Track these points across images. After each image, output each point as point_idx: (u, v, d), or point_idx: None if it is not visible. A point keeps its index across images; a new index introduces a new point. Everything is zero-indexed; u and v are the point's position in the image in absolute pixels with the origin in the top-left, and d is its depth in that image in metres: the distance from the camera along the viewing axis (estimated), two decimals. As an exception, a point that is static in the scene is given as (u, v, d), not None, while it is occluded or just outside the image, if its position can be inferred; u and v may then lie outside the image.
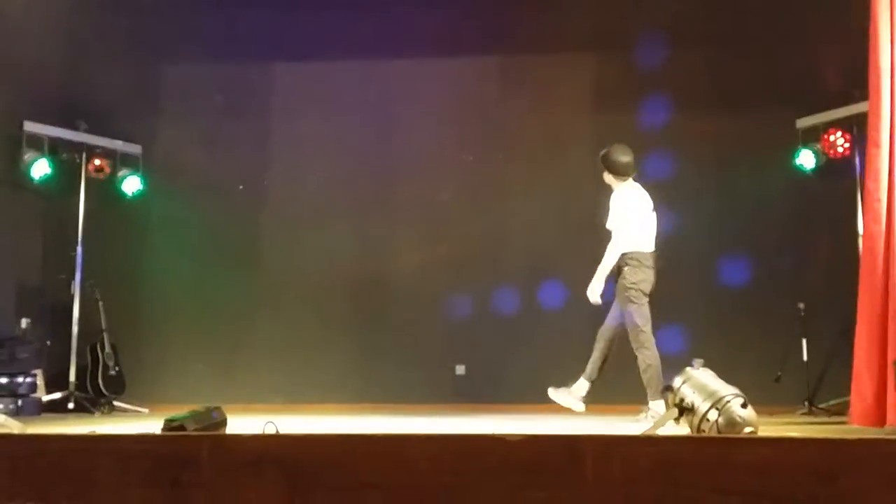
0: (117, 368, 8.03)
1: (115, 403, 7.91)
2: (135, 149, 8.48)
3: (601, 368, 6.36)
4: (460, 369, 8.36)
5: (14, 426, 4.39)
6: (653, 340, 6.18)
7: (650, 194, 6.53)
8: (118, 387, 8.01)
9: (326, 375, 8.33)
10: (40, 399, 7.51)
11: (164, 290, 8.61)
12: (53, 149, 8.06)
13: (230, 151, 8.71)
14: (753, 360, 7.35)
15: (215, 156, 8.68)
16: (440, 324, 8.33)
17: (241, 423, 4.11)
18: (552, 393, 6.40)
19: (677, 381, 4.31)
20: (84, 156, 8.19)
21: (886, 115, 4.99)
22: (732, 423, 4.02)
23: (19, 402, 7.21)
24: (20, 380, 7.36)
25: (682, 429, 4.25)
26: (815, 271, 7.71)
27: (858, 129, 7.46)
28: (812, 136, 7.83)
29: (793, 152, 7.88)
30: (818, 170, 7.85)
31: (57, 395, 7.72)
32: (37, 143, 7.95)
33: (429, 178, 8.63)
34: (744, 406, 4.09)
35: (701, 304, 7.90)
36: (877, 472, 2.56)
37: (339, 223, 8.60)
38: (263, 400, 7.80)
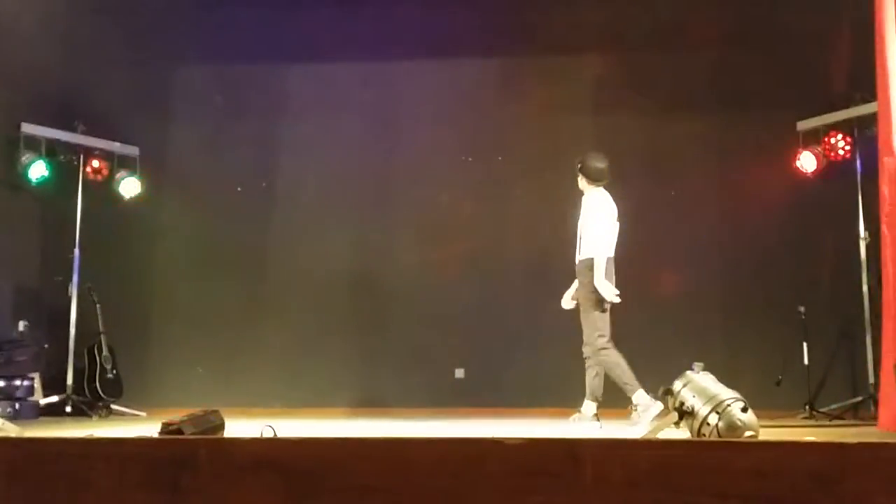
0: (115, 372, 8.00)
1: (113, 407, 7.88)
2: (132, 151, 8.45)
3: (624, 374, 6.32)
4: (460, 373, 8.33)
5: (11, 430, 4.35)
6: (611, 342, 6.22)
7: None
8: (116, 390, 7.98)
9: (325, 379, 8.31)
10: (37, 402, 7.49)
11: (161, 292, 8.59)
12: (51, 150, 8.04)
13: (228, 153, 8.69)
14: (754, 363, 7.35)
15: (213, 158, 8.66)
16: (439, 327, 8.30)
17: (239, 427, 4.09)
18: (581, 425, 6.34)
19: (677, 385, 4.30)
20: (82, 158, 8.17)
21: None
22: (733, 427, 4.00)
23: (16, 406, 7.18)
24: (17, 383, 7.34)
25: (683, 433, 4.22)
26: (816, 274, 7.68)
27: (859, 131, 7.47)
28: (813, 139, 7.80)
29: (793, 155, 7.84)
30: (819, 172, 7.80)
31: (54, 399, 7.68)
32: (34, 145, 7.93)
33: (428, 180, 8.61)
34: (744, 410, 4.07)
35: (701, 307, 7.90)
36: (878, 475, 2.51)
37: (338, 226, 8.58)
38: (262, 404, 7.78)
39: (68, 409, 7.66)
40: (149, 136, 8.53)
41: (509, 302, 8.27)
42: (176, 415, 3.79)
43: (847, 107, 7.50)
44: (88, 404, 7.72)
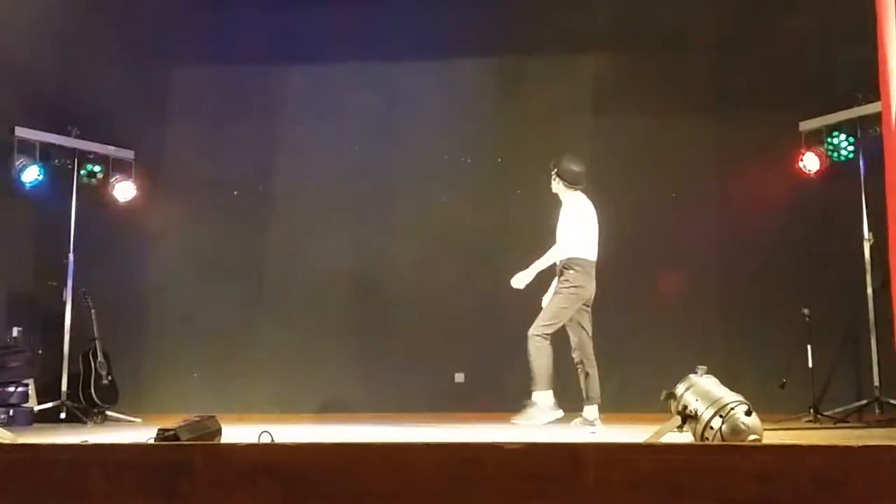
0: (110, 377, 7.95)
1: (108, 413, 7.82)
2: (127, 154, 8.40)
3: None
4: (459, 377, 8.27)
5: (6, 436, 4.29)
6: (547, 340, 6.30)
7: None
8: (111, 396, 7.92)
9: (323, 384, 8.27)
10: (32, 409, 7.44)
11: (157, 297, 8.54)
12: (45, 154, 7.99)
13: (225, 156, 8.63)
14: (757, 366, 7.29)
15: (210, 161, 8.60)
16: (439, 331, 8.25)
17: (236, 433, 4.03)
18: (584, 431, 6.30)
19: (680, 388, 4.23)
20: (76, 161, 8.12)
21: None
22: (736, 431, 3.92)
23: (10, 412, 7.15)
24: (11, 389, 7.30)
25: (686, 437, 4.15)
26: (820, 276, 7.61)
27: (863, 131, 7.41)
28: (815, 139, 7.73)
29: (796, 155, 7.77)
30: (821, 173, 7.73)
31: (49, 405, 7.62)
32: (28, 149, 7.89)
33: (427, 181, 8.57)
34: (748, 413, 3.99)
35: (704, 309, 7.86)
36: (883, 479, 2.51)
37: (336, 229, 8.53)
38: (259, 409, 7.73)
39: (63, 415, 7.60)
40: (144, 139, 8.48)
41: (510, 305, 8.18)
42: (172, 421, 3.72)
43: (850, 106, 7.44)
44: (83, 410, 7.66)
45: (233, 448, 2.88)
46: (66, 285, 7.91)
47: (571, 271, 6.35)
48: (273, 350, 8.32)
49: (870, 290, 7.23)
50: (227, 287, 8.38)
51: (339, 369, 8.27)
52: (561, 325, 6.36)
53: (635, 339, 7.78)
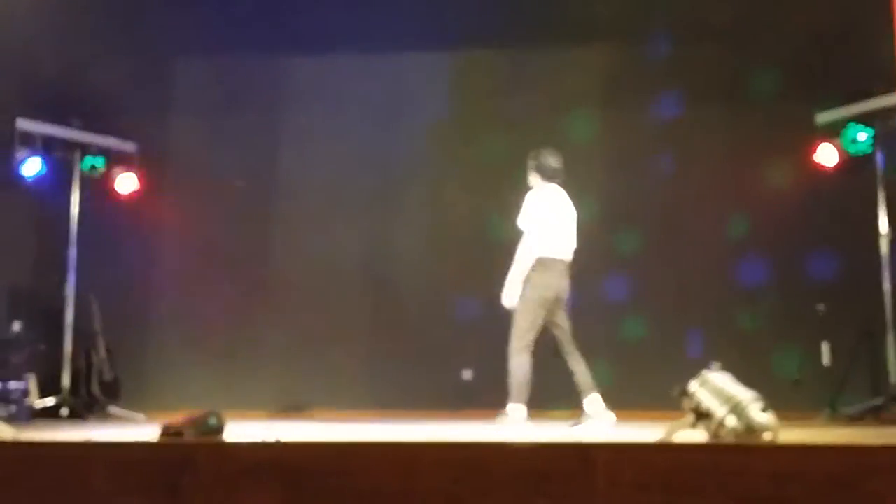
0: (112, 373, 7.92)
1: (110, 409, 7.76)
2: (130, 146, 8.36)
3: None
4: (467, 374, 8.21)
5: (7, 432, 4.22)
6: (530, 349, 6.09)
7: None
8: (113, 392, 7.91)
9: (328, 381, 8.21)
10: (32, 405, 7.39)
11: (160, 291, 8.54)
12: (47, 147, 7.95)
13: (228, 148, 8.60)
14: (772, 363, 7.25)
15: (213, 153, 8.58)
16: (446, 327, 8.19)
17: (240, 430, 4.06)
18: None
19: (694, 385, 4.16)
20: (78, 154, 8.08)
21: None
22: (751, 429, 3.83)
23: (12, 408, 7.07)
24: (12, 385, 7.23)
25: (700, 435, 4.05)
26: (835, 272, 7.53)
27: (880, 123, 7.31)
28: (832, 132, 7.59)
29: (812, 148, 7.64)
30: (838, 166, 7.61)
31: (50, 401, 7.57)
32: (30, 141, 7.85)
33: (433, 174, 8.53)
34: (763, 411, 3.89)
35: (718, 305, 7.78)
36: None
37: (342, 222, 8.51)
38: (263, 406, 7.72)
39: (64, 411, 7.52)
40: (147, 131, 8.44)
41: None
42: (175, 417, 3.76)
43: (867, 98, 7.32)
44: (85, 406, 7.61)
45: (237, 446, 2.90)
46: (67, 279, 7.87)
47: (535, 272, 6.22)
48: (277, 345, 8.29)
49: (887, 286, 7.14)
50: (231, 280, 8.35)
51: (345, 365, 8.22)
52: (538, 329, 6.18)
53: (647, 333, 7.70)
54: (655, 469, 2.54)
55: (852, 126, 7.45)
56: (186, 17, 8.39)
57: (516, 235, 8.28)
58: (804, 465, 2.51)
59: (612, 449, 2.65)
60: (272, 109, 8.70)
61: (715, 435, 3.92)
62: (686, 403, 4.14)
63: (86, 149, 8.11)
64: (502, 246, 8.22)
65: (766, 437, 3.85)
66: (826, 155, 7.59)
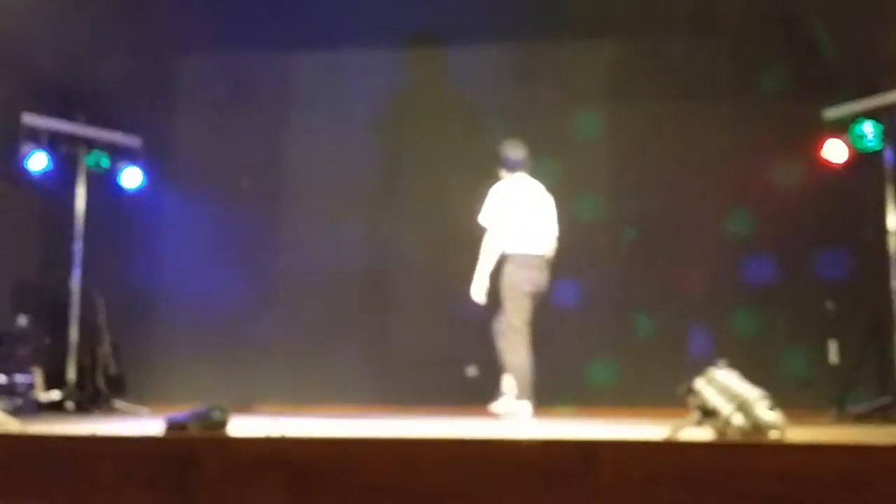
0: (117, 367, 7.94)
1: (116, 403, 7.75)
2: (135, 141, 8.34)
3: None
4: (472, 371, 8.14)
5: (12, 425, 4.22)
6: (527, 344, 6.08)
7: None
8: (118, 386, 7.91)
9: (333, 376, 8.18)
10: (38, 398, 7.40)
11: (166, 286, 8.53)
12: (52, 142, 7.94)
13: (234, 144, 8.58)
14: (780, 361, 7.20)
15: (219, 148, 8.56)
16: (451, 323, 8.12)
17: (245, 424, 4.05)
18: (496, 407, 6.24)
19: (700, 383, 4.14)
20: (83, 149, 8.07)
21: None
22: (758, 427, 3.81)
23: (17, 402, 7.08)
24: (18, 378, 7.25)
25: (706, 433, 4.02)
26: (843, 269, 7.49)
27: (890, 120, 7.24)
28: (840, 128, 7.53)
29: (819, 144, 7.57)
30: (846, 162, 7.54)
31: (55, 395, 7.57)
32: (35, 136, 7.84)
33: (439, 170, 8.48)
34: (770, 409, 3.87)
35: (724, 303, 7.74)
36: None
37: (347, 217, 8.50)
38: (268, 401, 7.70)
39: (69, 405, 7.52)
40: (152, 126, 8.43)
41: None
42: (178, 410, 3.75)
43: (876, 93, 7.26)
44: (90, 400, 7.62)
45: (242, 441, 2.92)
46: (72, 274, 7.87)
47: (511, 268, 6.30)
48: (282, 341, 8.27)
49: (895, 284, 7.09)
50: (236, 276, 8.33)
51: (349, 361, 8.20)
52: (526, 311, 6.20)
53: (653, 332, 7.67)
54: (661, 467, 2.53)
55: (861, 122, 7.38)
56: (193, 13, 8.40)
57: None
58: (811, 463, 2.50)
59: (618, 447, 2.64)
60: (277, 104, 8.68)
61: (721, 433, 3.90)
62: (692, 401, 4.13)
63: (91, 144, 8.08)
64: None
65: (773, 435, 3.82)
66: (834, 151, 7.50)
